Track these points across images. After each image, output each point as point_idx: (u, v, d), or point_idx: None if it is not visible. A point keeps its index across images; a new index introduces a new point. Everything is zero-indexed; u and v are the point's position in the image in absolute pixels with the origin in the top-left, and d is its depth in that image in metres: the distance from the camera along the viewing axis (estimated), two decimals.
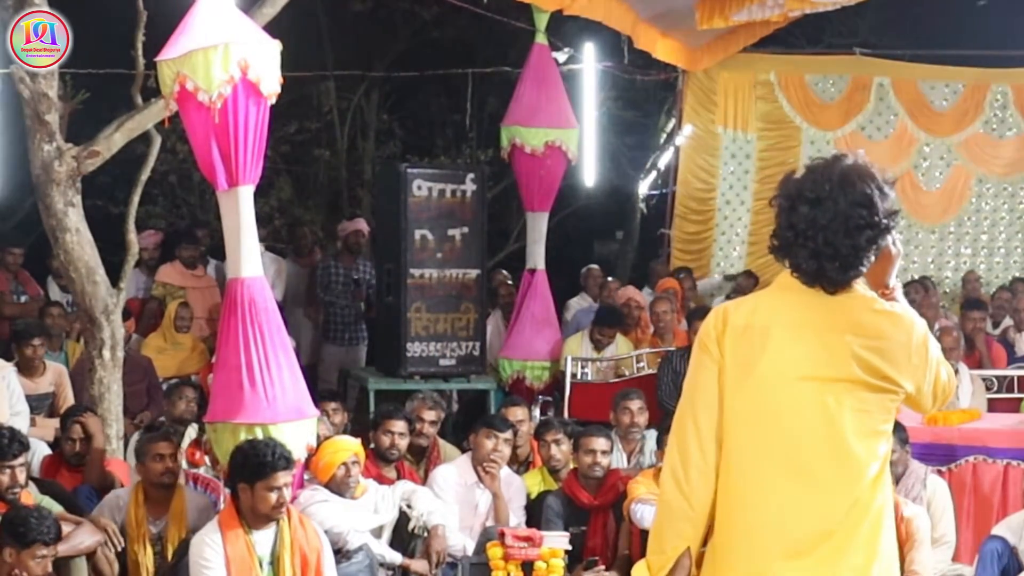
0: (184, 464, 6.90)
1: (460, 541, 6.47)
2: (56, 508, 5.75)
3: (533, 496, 7.16)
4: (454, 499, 6.71)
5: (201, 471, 6.85)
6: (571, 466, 7.14)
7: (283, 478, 5.40)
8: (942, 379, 3.21)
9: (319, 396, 7.31)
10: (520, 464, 7.62)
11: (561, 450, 7.16)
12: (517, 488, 7.00)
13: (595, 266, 11.44)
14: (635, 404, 7.68)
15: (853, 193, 3.00)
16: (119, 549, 5.76)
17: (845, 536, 3.07)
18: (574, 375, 9.28)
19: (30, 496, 5.71)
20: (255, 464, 5.37)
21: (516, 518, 6.83)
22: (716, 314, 3.16)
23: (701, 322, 9.53)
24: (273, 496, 5.37)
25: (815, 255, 3.03)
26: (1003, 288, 11.46)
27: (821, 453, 3.07)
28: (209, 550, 5.37)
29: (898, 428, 6.50)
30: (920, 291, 10.91)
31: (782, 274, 3.15)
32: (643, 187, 15.39)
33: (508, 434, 6.92)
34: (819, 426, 3.06)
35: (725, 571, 3.10)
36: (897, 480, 6.50)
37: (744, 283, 11.62)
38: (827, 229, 3.00)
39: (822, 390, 3.06)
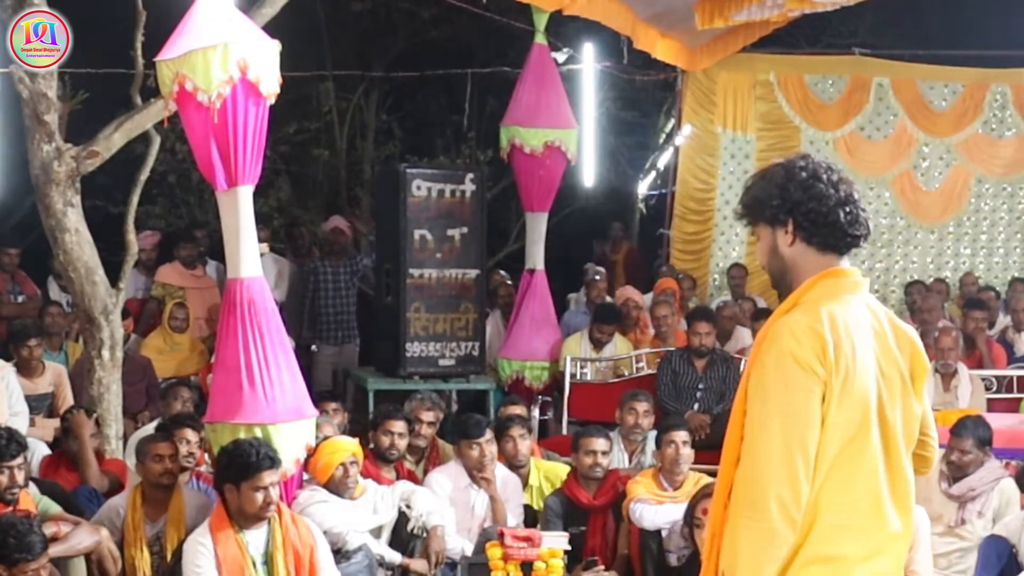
0: None
1: (458, 544, 6.47)
2: (55, 508, 5.76)
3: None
4: (449, 503, 6.70)
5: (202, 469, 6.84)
6: (536, 464, 7.19)
7: (268, 477, 5.39)
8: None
9: (319, 396, 7.32)
10: (519, 464, 7.60)
11: (526, 445, 7.16)
12: (514, 488, 6.99)
13: (599, 276, 11.32)
14: (642, 406, 7.68)
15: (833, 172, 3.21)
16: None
17: (907, 536, 3.15)
18: (573, 375, 9.28)
19: (29, 497, 5.71)
20: (239, 464, 5.38)
21: (515, 518, 6.83)
22: (809, 334, 2.98)
23: (701, 323, 9.49)
24: (259, 496, 5.37)
25: (851, 214, 3.12)
26: (986, 288, 11.46)
27: (902, 456, 3.12)
28: (200, 554, 5.37)
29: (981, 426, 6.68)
30: (921, 292, 10.93)
31: (819, 285, 3.09)
32: (642, 187, 15.40)
33: (488, 434, 6.84)
34: (898, 430, 3.10)
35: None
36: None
37: (736, 274, 11.66)
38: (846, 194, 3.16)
39: (894, 393, 3.10)
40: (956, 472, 6.64)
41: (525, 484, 7.14)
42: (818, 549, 2.99)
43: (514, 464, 7.12)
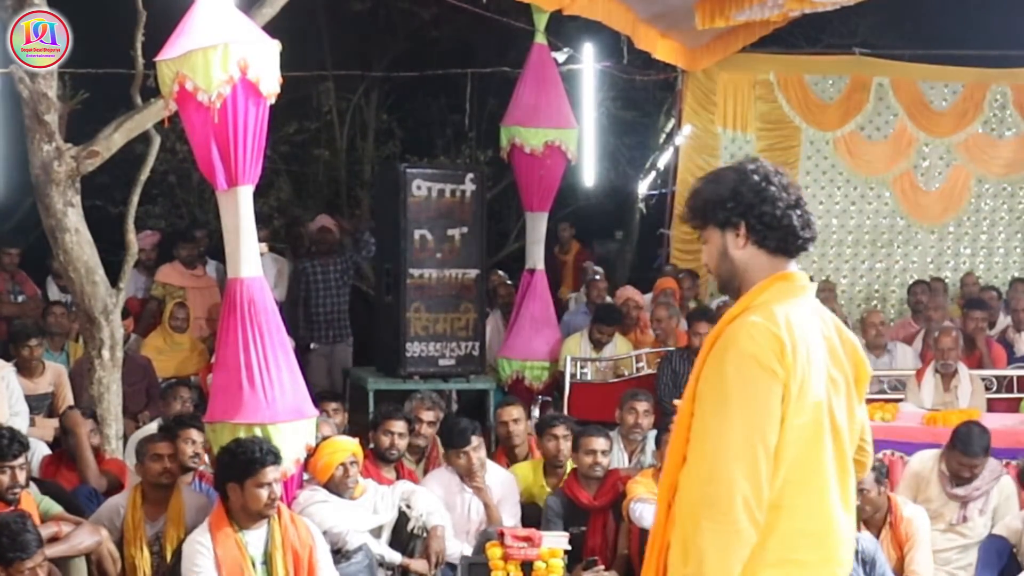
0: None
1: (457, 549, 6.45)
2: (56, 508, 5.76)
3: (526, 484, 7.17)
4: (446, 509, 6.66)
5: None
6: (571, 465, 7.15)
7: (272, 473, 5.42)
8: None
9: (319, 396, 7.32)
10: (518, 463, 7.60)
11: (568, 446, 7.14)
12: (510, 486, 6.97)
13: (599, 276, 11.36)
14: (642, 406, 7.67)
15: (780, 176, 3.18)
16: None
17: (853, 540, 3.18)
18: (573, 375, 9.29)
19: (31, 497, 5.71)
20: (243, 462, 5.38)
21: (512, 518, 6.81)
22: (767, 336, 2.96)
23: (701, 323, 9.49)
24: (264, 493, 5.38)
25: (802, 217, 3.13)
26: (988, 288, 11.48)
27: (848, 461, 3.14)
28: (200, 554, 5.38)
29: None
30: (926, 291, 10.93)
31: (771, 288, 3.08)
32: (642, 187, 15.39)
33: (474, 441, 6.76)
34: (845, 435, 3.12)
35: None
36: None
37: None
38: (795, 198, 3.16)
39: (841, 398, 3.12)
40: (964, 480, 6.63)
41: (560, 482, 7.12)
42: (780, 553, 2.99)
43: (554, 464, 7.10)
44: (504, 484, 6.93)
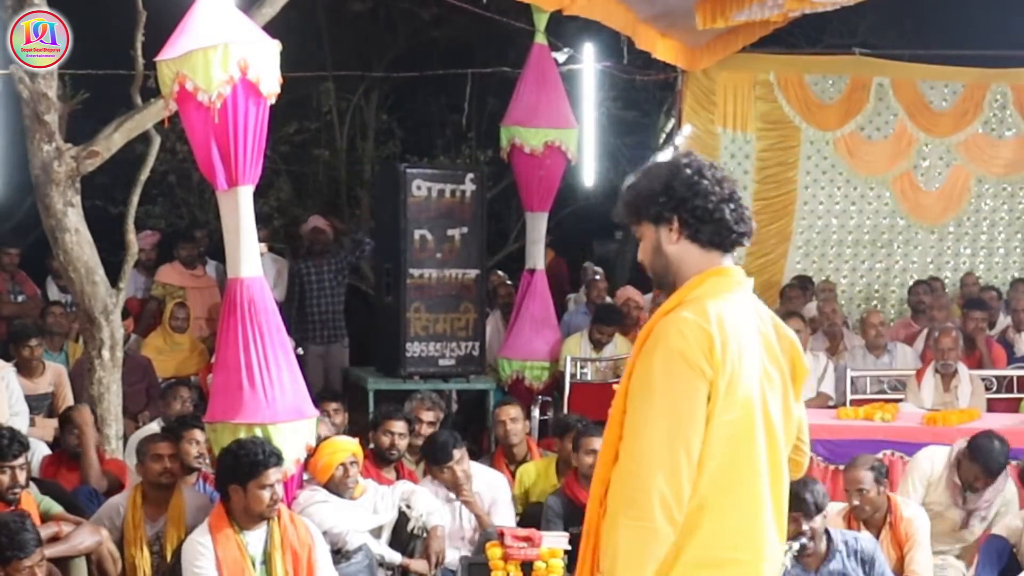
0: None
1: (454, 557, 6.44)
2: (56, 508, 5.76)
3: (529, 484, 7.15)
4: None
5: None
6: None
7: (275, 475, 5.43)
8: None
9: (320, 396, 7.32)
10: (517, 464, 7.59)
11: None
12: (501, 487, 6.95)
13: (599, 276, 11.36)
14: None
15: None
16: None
17: (784, 540, 3.16)
18: (573, 375, 9.29)
19: (31, 497, 5.71)
20: (247, 464, 5.38)
21: (507, 519, 6.78)
22: (697, 333, 2.93)
23: None
24: (266, 494, 5.38)
25: (736, 211, 3.11)
26: (988, 288, 11.48)
27: (781, 459, 3.11)
28: (200, 554, 5.38)
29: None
30: (927, 291, 10.93)
31: (705, 283, 3.06)
32: None
33: (457, 454, 6.70)
34: (779, 433, 3.08)
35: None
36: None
37: None
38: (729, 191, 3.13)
39: (776, 395, 3.09)
40: (977, 491, 6.58)
41: None
42: (706, 552, 2.97)
43: (589, 475, 7.02)
44: (493, 487, 6.89)
